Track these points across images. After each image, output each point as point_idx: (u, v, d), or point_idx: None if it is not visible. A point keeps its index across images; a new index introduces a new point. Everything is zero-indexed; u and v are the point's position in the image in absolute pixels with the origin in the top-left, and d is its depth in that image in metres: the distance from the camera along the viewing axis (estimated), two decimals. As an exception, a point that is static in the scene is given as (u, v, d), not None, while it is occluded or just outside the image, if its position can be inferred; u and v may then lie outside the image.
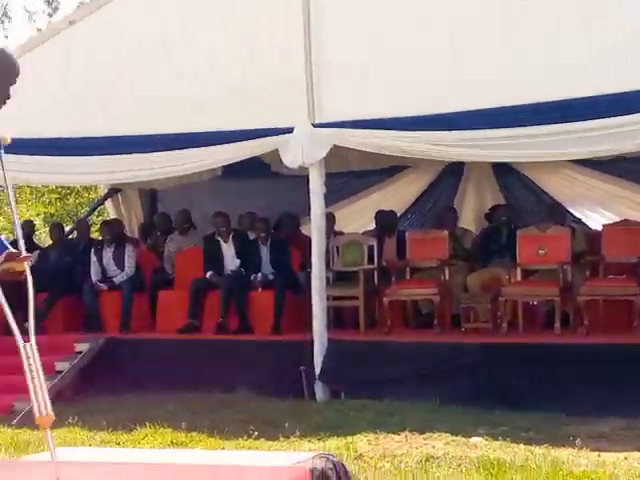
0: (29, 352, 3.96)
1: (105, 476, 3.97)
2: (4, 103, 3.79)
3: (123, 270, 10.48)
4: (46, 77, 9.51)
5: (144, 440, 7.16)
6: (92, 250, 10.73)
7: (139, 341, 9.81)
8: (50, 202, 22.02)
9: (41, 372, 4.00)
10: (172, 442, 7.04)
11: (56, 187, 19.80)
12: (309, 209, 9.01)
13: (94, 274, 10.57)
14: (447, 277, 9.63)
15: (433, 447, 6.58)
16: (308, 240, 9.31)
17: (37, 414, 3.95)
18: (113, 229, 10.94)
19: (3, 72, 3.80)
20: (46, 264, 10.79)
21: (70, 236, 12.46)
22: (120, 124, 9.22)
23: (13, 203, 4.12)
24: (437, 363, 8.47)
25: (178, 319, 9.99)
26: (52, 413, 3.94)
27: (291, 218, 11.11)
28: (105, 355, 9.59)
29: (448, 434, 6.83)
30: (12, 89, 3.83)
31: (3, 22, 33.07)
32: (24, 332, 10.41)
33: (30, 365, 3.94)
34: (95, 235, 13.72)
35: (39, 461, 4.43)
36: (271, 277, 10.01)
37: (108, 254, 10.62)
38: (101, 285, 10.45)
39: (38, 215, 25.42)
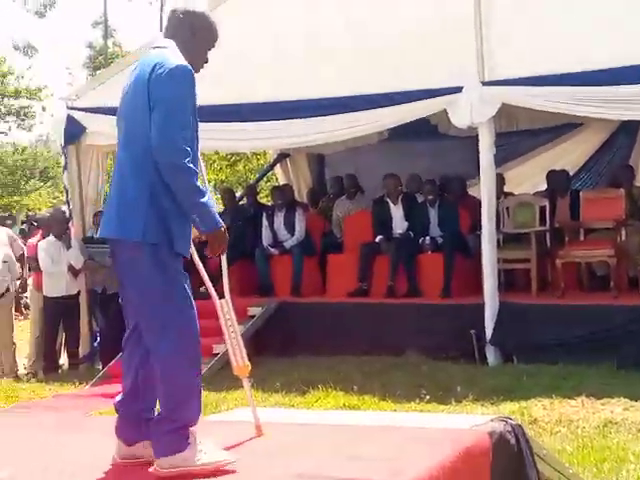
0: (225, 307, 4.43)
1: (298, 433, 4.11)
2: (202, 67, 3.84)
3: (293, 235, 10.60)
4: (223, 41, 9.64)
5: (317, 403, 7.26)
6: (264, 215, 10.90)
7: (310, 305, 9.92)
8: (220, 169, 22.49)
9: (236, 325, 4.38)
10: (344, 405, 7.10)
11: (226, 154, 20.18)
12: (477, 171, 8.86)
13: (265, 239, 10.74)
14: (623, 238, 9.30)
15: (611, 412, 6.40)
16: (477, 202, 9.16)
17: (234, 364, 4.25)
18: (284, 194, 11.08)
19: (203, 37, 3.85)
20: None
21: (240, 202, 12.68)
22: (290, 89, 9.27)
23: (204, 169, 4.20)
24: (613, 327, 8.21)
25: (348, 283, 10.04)
26: (249, 362, 4.10)
27: (458, 180, 10.97)
28: (277, 319, 9.74)
29: (627, 399, 6.63)
30: (209, 54, 3.90)
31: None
32: (201, 295, 10.78)
33: (227, 319, 4.39)
34: (264, 200, 13.94)
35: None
36: (440, 240, 9.92)
37: (279, 219, 10.76)
38: (272, 250, 10.61)
39: (209, 182, 26.09)
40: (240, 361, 4.22)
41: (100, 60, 37.76)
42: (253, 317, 9.72)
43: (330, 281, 10.44)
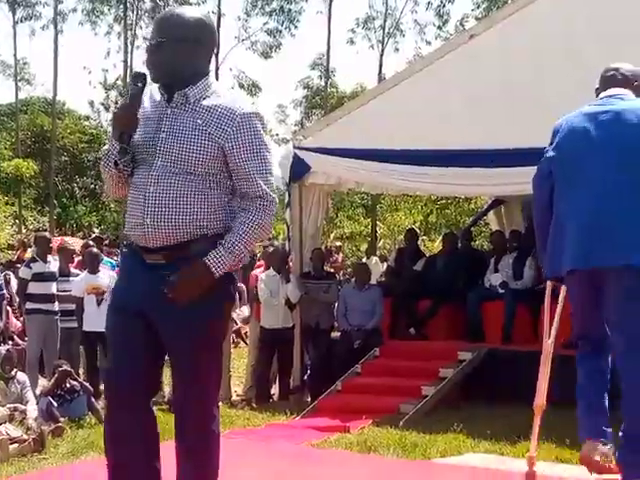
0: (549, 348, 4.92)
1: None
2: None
3: (520, 280, 10.54)
4: (442, 89, 9.83)
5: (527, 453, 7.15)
6: (493, 258, 10.93)
7: (521, 353, 9.80)
8: (431, 211, 22.68)
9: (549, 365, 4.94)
10: (556, 457, 6.98)
11: (437, 197, 20.32)
12: None
13: (493, 279, 10.75)
14: None
15: None
16: None
17: (537, 400, 4.83)
18: (517, 239, 11.13)
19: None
20: (432, 271, 11.15)
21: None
22: (519, 135, 9.25)
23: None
24: None
25: (561, 332, 9.85)
26: (545, 402, 4.42)
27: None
28: (487, 364, 9.69)
29: None
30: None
31: (395, 35, 34.58)
32: (406, 336, 10.74)
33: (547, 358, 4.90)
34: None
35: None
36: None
37: (506, 263, 10.74)
38: (500, 290, 10.56)
39: (415, 223, 26.31)
40: (539, 399, 4.66)
41: (317, 100, 38.85)
42: (462, 362, 9.71)
43: (543, 328, 10.26)
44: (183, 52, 3.88)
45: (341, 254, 21.82)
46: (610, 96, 4.71)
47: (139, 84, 3.94)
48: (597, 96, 4.96)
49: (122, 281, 4.11)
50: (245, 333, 14.37)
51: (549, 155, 4.70)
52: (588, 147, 4.52)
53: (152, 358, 3.95)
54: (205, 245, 3.81)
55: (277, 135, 40.25)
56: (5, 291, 11.41)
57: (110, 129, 4.02)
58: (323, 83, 37.44)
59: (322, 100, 37.17)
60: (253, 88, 35.66)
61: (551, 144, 4.77)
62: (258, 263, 12.75)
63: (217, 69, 33.30)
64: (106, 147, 4.04)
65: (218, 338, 3.96)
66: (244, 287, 12.35)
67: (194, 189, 3.82)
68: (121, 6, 33.16)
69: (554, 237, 4.63)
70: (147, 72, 3.96)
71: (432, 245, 23.07)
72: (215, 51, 4.13)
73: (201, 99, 3.89)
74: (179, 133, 3.85)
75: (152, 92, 4.02)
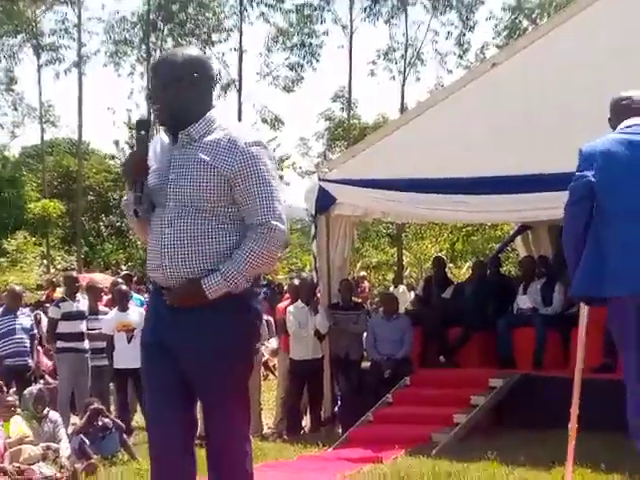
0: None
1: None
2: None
3: (549, 306, 10.49)
4: (465, 118, 9.87)
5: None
6: (522, 284, 10.91)
7: (552, 379, 9.74)
8: (457, 239, 22.66)
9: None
10: (592, 484, 6.92)
11: (463, 224, 20.30)
12: None
13: (521, 303, 10.71)
14: None
15: None
16: None
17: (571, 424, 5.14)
18: (546, 264, 11.15)
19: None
20: (461, 299, 11.13)
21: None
22: (543, 161, 9.25)
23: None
24: None
25: (592, 357, 9.80)
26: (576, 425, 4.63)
27: None
28: (519, 391, 9.63)
29: None
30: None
31: (416, 65, 34.71)
32: (436, 364, 10.70)
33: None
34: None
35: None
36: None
37: (534, 289, 10.72)
38: (529, 313, 10.54)
39: (441, 251, 26.29)
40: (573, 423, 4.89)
41: (339, 132, 39.00)
42: (494, 388, 9.66)
43: (574, 355, 10.20)
44: (180, 92, 3.90)
45: (367, 283, 21.79)
46: (637, 124, 4.88)
47: (142, 132, 4.00)
48: (612, 125, 5.11)
49: (149, 321, 4.17)
50: (274, 365, 14.37)
51: (587, 180, 4.79)
52: (629, 174, 4.73)
53: (186, 399, 3.98)
54: None
55: (300, 168, 40.47)
56: (36, 331, 11.48)
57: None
58: (345, 115, 37.59)
59: (344, 132, 37.32)
60: (276, 122, 35.89)
61: (581, 169, 4.86)
62: (285, 295, 12.79)
63: (240, 105, 33.59)
64: (125, 197, 4.11)
65: (243, 376, 3.97)
66: (272, 319, 12.36)
67: (208, 227, 3.86)
68: (143, 46, 33.51)
69: (592, 259, 4.74)
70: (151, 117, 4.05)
71: (459, 272, 23.01)
72: (214, 86, 4.14)
73: (205, 135, 3.91)
74: (187, 172, 3.88)
75: (161, 136, 4.06)
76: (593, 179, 4.77)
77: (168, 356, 3.91)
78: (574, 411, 5.18)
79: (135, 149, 4.02)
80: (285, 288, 14.73)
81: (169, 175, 3.91)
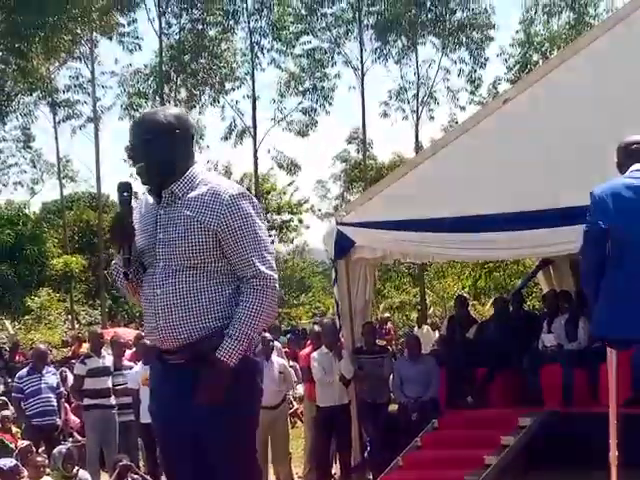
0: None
1: None
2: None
3: (574, 341, 10.41)
4: (481, 155, 9.89)
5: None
6: (546, 320, 10.86)
7: (582, 415, 9.64)
8: (479, 276, 22.62)
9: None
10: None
11: (485, 262, 20.26)
12: None
13: (546, 341, 10.64)
14: None
15: None
16: None
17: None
18: (569, 299, 11.10)
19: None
20: (485, 337, 11.06)
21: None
22: (561, 195, 9.22)
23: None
24: None
25: (621, 391, 9.69)
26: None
27: None
28: (549, 429, 9.52)
29: None
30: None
31: (429, 104, 34.80)
32: (464, 405, 10.57)
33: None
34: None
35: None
36: None
37: (559, 324, 10.64)
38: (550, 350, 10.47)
39: (463, 288, 26.20)
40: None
41: (355, 173, 39.10)
42: (523, 428, 9.56)
43: (602, 390, 10.11)
44: (163, 148, 3.92)
45: (390, 324, 21.71)
46: None
47: (125, 194, 3.99)
48: (620, 169, 5.27)
49: (153, 385, 4.16)
50: (301, 412, 14.30)
51: (598, 227, 4.98)
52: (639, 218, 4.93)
53: (197, 462, 3.96)
54: (220, 340, 3.83)
55: (319, 211, 40.54)
56: (62, 389, 11.49)
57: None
58: (361, 156, 37.71)
59: (361, 173, 37.41)
60: (292, 167, 36.01)
61: (592, 214, 5.03)
62: (308, 341, 12.75)
63: (255, 152, 33.70)
64: (114, 261, 4.13)
65: (247, 431, 4.00)
66: (297, 365, 12.32)
67: (199, 284, 3.85)
68: (157, 98, 33.81)
69: (610, 302, 4.94)
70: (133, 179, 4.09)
71: (483, 309, 22.93)
72: (195, 142, 4.15)
73: (189, 191, 3.92)
74: (173, 230, 3.88)
75: (146, 197, 4.08)
76: (604, 225, 4.95)
77: (177, 424, 3.91)
78: (613, 450, 5.51)
79: (119, 211, 4.03)
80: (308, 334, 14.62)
81: (157, 235, 3.92)
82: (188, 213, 3.87)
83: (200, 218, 3.85)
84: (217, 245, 3.85)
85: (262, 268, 3.85)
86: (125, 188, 4.00)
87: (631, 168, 5.16)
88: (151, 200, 4.04)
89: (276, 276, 3.91)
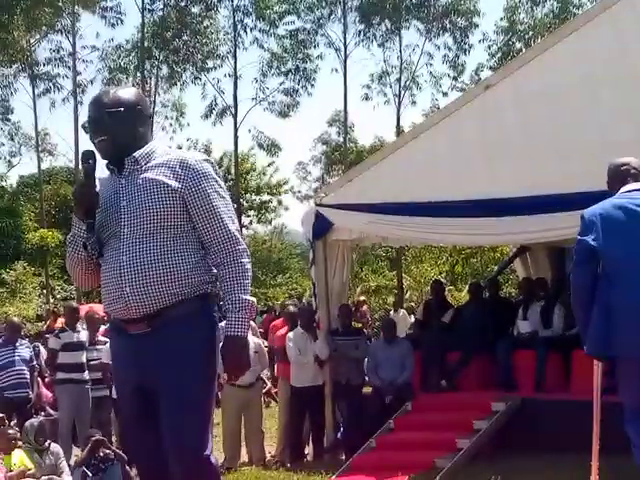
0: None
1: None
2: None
3: (548, 328, 10.46)
4: (461, 140, 9.91)
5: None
6: (522, 306, 10.94)
7: (554, 402, 9.71)
8: (456, 261, 22.68)
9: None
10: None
11: (462, 247, 20.31)
12: None
13: (521, 327, 10.70)
14: None
15: None
16: None
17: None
18: (544, 287, 11.20)
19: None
20: (460, 322, 11.12)
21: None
22: (539, 183, 9.24)
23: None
24: None
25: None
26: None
27: None
28: (521, 415, 9.59)
29: None
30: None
31: (411, 89, 34.81)
32: (436, 387, 10.56)
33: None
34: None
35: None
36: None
37: (534, 311, 10.69)
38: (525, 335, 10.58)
39: (440, 274, 26.27)
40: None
41: (336, 156, 39.06)
42: (496, 412, 9.62)
43: (575, 378, 10.19)
44: (126, 121, 3.98)
45: (366, 307, 21.76)
46: (636, 189, 5.22)
47: (90, 161, 3.99)
48: (610, 189, 5.42)
49: (115, 361, 4.15)
50: (275, 392, 14.31)
51: (587, 244, 5.11)
52: (629, 239, 5.07)
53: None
54: (189, 306, 3.86)
55: (300, 192, 40.50)
56: (35, 362, 11.45)
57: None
58: (342, 139, 37.67)
59: (341, 155, 37.37)
60: (272, 148, 35.89)
61: (582, 233, 5.17)
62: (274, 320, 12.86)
63: (236, 131, 33.58)
64: (70, 234, 4.09)
65: (206, 368, 3.92)
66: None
67: (167, 248, 3.85)
68: (138, 74, 33.61)
69: (602, 319, 5.11)
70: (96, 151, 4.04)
71: (459, 295, 22.99)
72: (150, 120, 4.26)
73: (151, 160, 3.98)
74: (138, 195, 3.90)
75: (100, 178, 4.07)
76: (593, 243, 5.08)
77: (142, 395, 3.91)
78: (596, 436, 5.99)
79: (84, 178, 4.03)
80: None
81: (120, 203, 3.93)
82: (153, 176, 3.91)
83: (167, 180, 3.89)
84: (184, 208, 3.88)
85: (232, 229, 3.90)
86: (89, 156, 3.99)
87: (622, 189, 5.29)
88: (107, 176, 4.07)
89: (243, 242, 3.96)
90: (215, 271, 3.95)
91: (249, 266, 3.93)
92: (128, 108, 3.99)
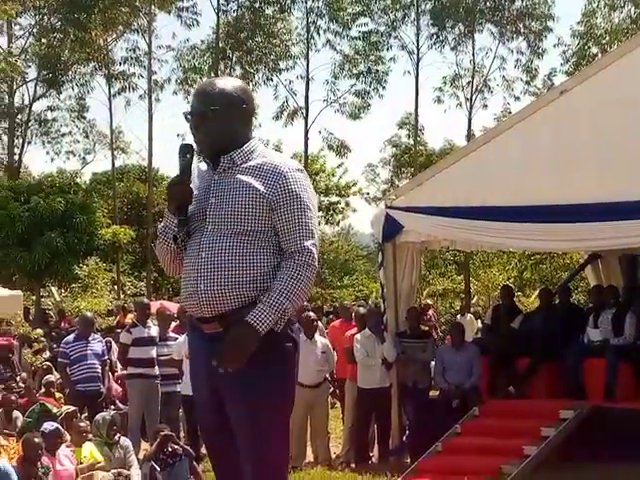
0: None
1: None
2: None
3: (620, 336, 10.33)
4: (533, 145, 9.83)
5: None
6: (592, 314, 10.80)
7: (625, 411, 9.59)
8: (525, 267, 22.47)
9: None
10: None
11: (531, 252, 20.11)
12: None
13: (593, 336, 10.57)
14: None
15: None
16: None
17: None
18: (616, 294, 11.03)
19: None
20: (530, 328, 11.03)
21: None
22: (613, 189, 9.14)
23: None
24: None
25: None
26: None
27: None
28: (590, 423, 9.48)
29: None
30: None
31: (483, 92, 34.61)
32: (505, 395, 10.44)
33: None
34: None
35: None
36: None
37: (605, 318, 10.56)
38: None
39: (508, 279, 26.03)
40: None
41: (405, 159, 38.98)
42: (565, 420, 9.52)
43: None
44: (229, 119, 3.90)
45: (432, 311, 21.68)
46: None
47: (187, 155, 3.96)
48: None
49: (191, 361, 4.13)
50: (332, 392, 14.32)
51: None
52: None
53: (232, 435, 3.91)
54: None
55: (368, 194, 40.49)
56: (107, 356, 11.64)
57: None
58: (411, 141, 37.57)
59: (411, 158, 37.29)
60: (342, 149, 35.93)
61: None
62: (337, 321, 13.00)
63: (306, 132, 33.71)
64: (162, 224, 4.05)
65: (281, 401, 3.90)
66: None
67: (246, 250, 3.81)
68: (212, 74, 33.91)
69: None
70: (194, 145, 3.99)
71: (527, 301, 22.78)
72: (253, 117, 4.13)
73: (247, 161, 3.91)
74: (227, 194, 3.86)
75: (199, 166, 4.05)
76: None
77: (215, 398, 3.87)
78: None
79: (180, 173, 3.97)
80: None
81: (209, 199, 3.89)
82: (245, 179, 3.86)
83: (257, 185, 3.84)
84: (269, 214, 3.83)
85: (307, 244, 3.83)
86: (187, 150, 3.97)
87: None
88: (204, 167, 4.02)
89: (317, 255, 3.88)
90: None
91: (307, 282, 3.82)
92: (233, 105, 3.91)
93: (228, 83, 3.98)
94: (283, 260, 3.83)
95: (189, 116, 3.94)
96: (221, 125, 3.89)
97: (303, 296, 3.86)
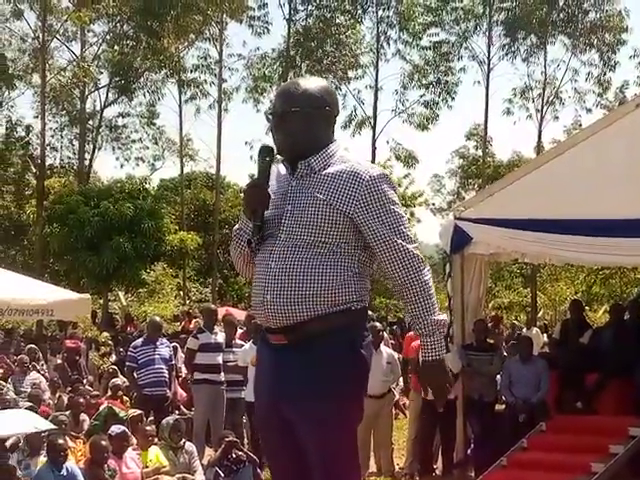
0: None
1: None
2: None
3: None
4: (605, 158, 9.70)
5: None
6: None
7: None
8: (594, 281, 22.16)
9: None
10: None
11: (601, 266, 19.83)
12: None
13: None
14: None
15: None
16: None
17: None
18: None
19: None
20: (599, 344, 10.86)
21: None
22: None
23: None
24: None
25: None
26: None
27: None
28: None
29: None
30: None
31: (554, 104, 34.27)
32: (573, 410, 10.26)
33: None
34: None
35: None
36: None
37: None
38: None
39: (576, 293, 25.69)
40: None
41: (472, 170, 38.76)
42: (634, 438, 9.35)
43: None
44: (310, 121, 3.76)
45: (502, 325, 21.49)
46: None
47: (267, 158, 3.83)
48: None
49: (258, 368, 4.02)
50: (404, 404, 14.29)
51: None
52: None
53: (298, 454, 3.81)
54: (330, 323, 3.65)
55: (433, 205, 40.34)
56: (174, 361, 11.72)
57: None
58: (479, 153, 37.32)
59: (478, 169, 37.05)
60: (409, 159, 35.82)
61: None
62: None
63: (374, 141, 33.69)
64: (237, 226, 3.93)
65: (349, 419, 3.76)
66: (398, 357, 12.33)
67: (316, 263, 3.66)
68: (282, 83, 34.09)
69: None
70: (274, 146, 3.86)
71: (595, 316, 22.46)
72: (335, 119, 3.96)
73: (326, 167, 3.75)
74: (303, 206, 3.70)
75: (278, 168, 3.91)
76: None
77: (277, 410, 3.76)
78: None
79: (258, 176, 3.84)
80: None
81: (286, 206, 3.74)
82: (321, 195, 3.70)
83: (332, 201, 3.68)
84: (346, 227, 3.68)
85: (410, 247, 3.67)
86: (267, 152, 3.85)
87: None
88: (283, 170, 3.87)
89: (421, 255, 3.74)
90: (366, 289, 3.77)
91: (431, 283, 3.71)
92: (316, 108, 3.78)
93: (312, 84, 3.84)
94: (395, 276, 3.68)
95: (270, 116, 3.82)
96: (302, 126, 3.76)
97: (434, 297, 3.71)
